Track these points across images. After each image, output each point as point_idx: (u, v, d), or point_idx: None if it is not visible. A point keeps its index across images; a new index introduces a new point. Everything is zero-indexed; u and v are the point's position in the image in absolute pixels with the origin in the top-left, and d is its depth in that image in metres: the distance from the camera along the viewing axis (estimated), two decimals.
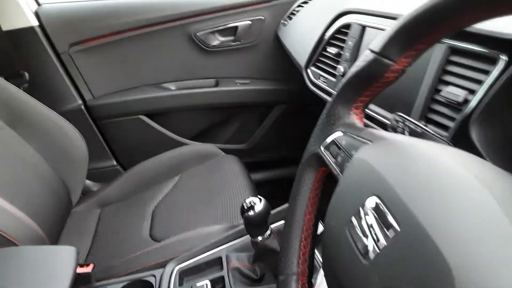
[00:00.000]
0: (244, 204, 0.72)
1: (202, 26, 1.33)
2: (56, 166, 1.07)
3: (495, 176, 0.27)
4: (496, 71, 0.44)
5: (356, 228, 0.31)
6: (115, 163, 1.43)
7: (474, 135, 0.46)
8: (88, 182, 1.34)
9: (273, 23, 1.34)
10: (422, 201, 0.27)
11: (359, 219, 0.31)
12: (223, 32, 1.35)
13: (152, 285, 0.83)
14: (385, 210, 0.29)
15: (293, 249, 0.46)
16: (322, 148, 0.45)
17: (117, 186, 1.19)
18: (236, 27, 1.34)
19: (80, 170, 1.13)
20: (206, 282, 0.78)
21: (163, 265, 0.84)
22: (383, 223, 0.29)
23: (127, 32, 1.31)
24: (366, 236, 0.30)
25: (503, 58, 0.44)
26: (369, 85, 0.41)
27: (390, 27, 0.37)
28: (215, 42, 1.36)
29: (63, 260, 0.75)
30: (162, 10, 1.31)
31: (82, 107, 1.33)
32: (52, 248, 0.78)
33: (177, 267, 0.83)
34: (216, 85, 1.41)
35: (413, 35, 0.36)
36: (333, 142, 0.44)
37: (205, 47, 1.36)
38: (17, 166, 0.93)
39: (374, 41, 0.39)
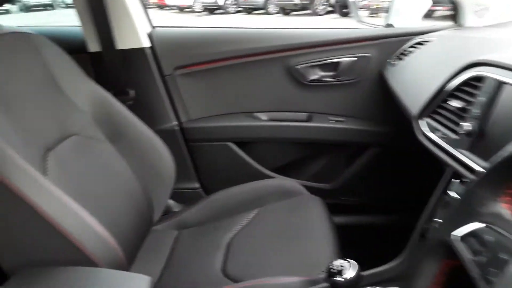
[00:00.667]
0: (332, 268, 0.65)
1: (302, 60, 1.30)
2: (144, 183, 1.09)
3: None
4: None
5: None
6: (198, 185, 1.44)
7: None
8: (170, 201, 1.36)
9: (379, 62, 1.26)
10: None
11: None
12: (324, 66, 1.31)
13: None
14: None
15: None
16: (455, 238, 0.36)
17: (197, 210, 1.18)
18: (338, 63, 1.29)
19: (166, 189, 1.14)
20: None
21: None
22: None
23: (228, 60, 1.33)
24: None
25: None
26: None
27: None
28: (314, 76, 1.32)
29: None
30: (264, 41, 1.31)
31: (177, 128, 1.37)
32: (128, 275, 0.77)
33: None
34: (309, 119, 1.36)
35: None
36: (473, 233, 0.34)
37: (302, 81, 1.32)
38: (110, 181, 0.96)
39: None
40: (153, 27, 1.35)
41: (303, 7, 10.16)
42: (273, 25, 9.44)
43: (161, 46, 1.32)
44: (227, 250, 0.99)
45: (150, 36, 1.31)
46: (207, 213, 1.17)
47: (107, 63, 1.26)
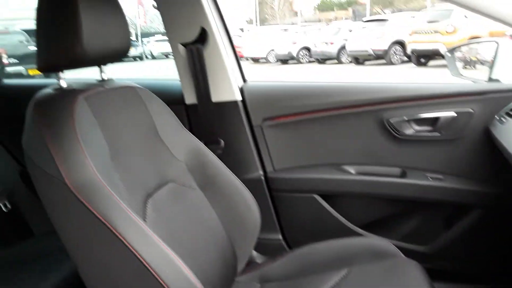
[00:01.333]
0: None
1: (397, 113, 1.25)
2: (230, 232, 1.08)
3: None
4: None
5: None
6: (280, 237, 1.40)
7: None
8: (253, 252, 1.33)
9: (484, 118, 1.17)
10: None
11: None
12: (420, 121, 1.24)
13: None
14: None
15: None
16: None
17: (281, 264, 1.14)
18: (436, 118, 1.21)
19: (251, 239, 1.12)
20: None
21: None
22: None
23: (317, 112, 1.32)
24: None
25: None
26: None
27: None
28: (409, 131, 1.25)
29: None
30: (355, 95, 1.29)
31: (262, 177, 1.37)
32: None
33: None
34: (403, 175, 1.28)
35: None
36: None
37: (396, 135, 1.26)
38: (199, 228, 0.97)
39: None
40: (245, 81, 1.41)
41: (378, 57, 10.11)
42: (348, 75, 9.49)
43: (252, 99, 1.36)
44: None
45: (241, 89, 1.36)
46: (291, 268, 1.12)
47: (202, 114, 1.32)
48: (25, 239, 1.37)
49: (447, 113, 1.21)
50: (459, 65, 1.43)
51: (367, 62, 10.71)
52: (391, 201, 1.32)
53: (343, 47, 11.05)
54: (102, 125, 0.87)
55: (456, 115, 1.20)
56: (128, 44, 0.96)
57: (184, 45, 1.31)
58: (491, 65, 1.25)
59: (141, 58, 17.99)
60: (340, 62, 11.37)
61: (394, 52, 9.87)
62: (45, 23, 0.82)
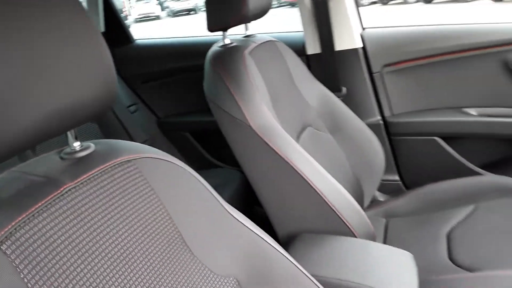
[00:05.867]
0: None
1: None
2: (357, 172, 1.19)
3: None
4: None
5: None
6: (397, 178, 1.50)
7: None
8: (375, 192, 1.45)
9: None
10: None
11: None
12: None
13: None
14: None
15: None
16: None
17: (404, 201, 1.23)
18: None
19: (375, 179, 1.22)
20: None
21: None
22: None
23: (437, 56, 1.35)
24: None
25: None
26: None
27: None
28: None
29: (406, 263, 0.82)
30: (477, 36, 1.30)
31: (381, 122, 1.45)
32: (393, 250, 0.86)
33: None
34: None
35: None
36: None
37: None
38: (332, 168, 1.05)
39: None
40: (363, 28, 1.45)
41: None
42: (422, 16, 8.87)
43: (371, 45, 1.41)
44: (448, 241, 1.02)
45: (362, 37, 1.42)
46: (415, 205, 1.21)
47: (325, 63, 1.40)
48: None
49: None
50: None
51: (436, 0, 9.89)
52: (511, 141, 1.35)
53: None
54: (263, 75, 0.99)
55: None
56: (269, 3, 1.07)
57: None
58: None
59: (195, 10, 17.96)
60: (406, 1, 10.60)
61: None
62: None
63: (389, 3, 11.18)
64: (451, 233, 1.04)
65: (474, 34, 1.31)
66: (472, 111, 1.37)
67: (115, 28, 1.72)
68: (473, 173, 1.35)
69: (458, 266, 0.93)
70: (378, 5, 11.43)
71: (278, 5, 14.05)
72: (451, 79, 1.37)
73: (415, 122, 1.42)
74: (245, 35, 1.11)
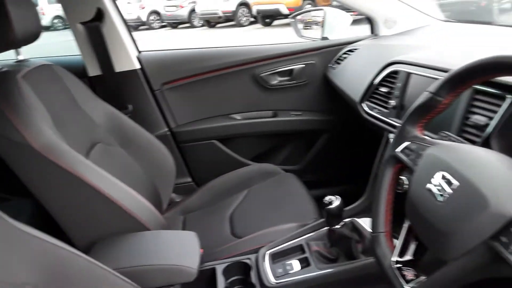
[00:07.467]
0: (325, 200, 0.99)
1: (264, 69, 1.66)
2: (153, 180, 1.33)
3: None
4: (505, 105, 0.72)
5: (432, 187, 0.59)
6: (190, 179, 1.72)
7: (494, 146, 0.73)
8: (172, 194, 1.61)
9: (322, 66, 1.66)
10: (469, 168, 0.55)
11: (433, 183, 0.59)
12: (281, 73, 1.67)
13: (248, 265, 1.08)
14: (448, 176, 0.57)
15: (381, 216, 0.73)
16: (398, 152, 0.73)
17: (196, 198, 1.44)
18: (291, 70, 1.66)
19: (170, 184, 1.39)
20: (295, 261, 1.04)
21: (255, 251, 1.09)
22: (448, 183, 0.56)
23: (206, 74, 1.64)
24: (439, 190, 0.57)
25: (509, 97, 0.72)
26: (428, 112, 0.70)
27: (440, 77, 0.66)
28: (274, 82, 1.68)
29: (190, 239, 1.00)
30: (234, 56, 1.64)
31: (168, 132, 1.64)
32: (180, 233, 1.03)
33: (268, 252, 1.08)
34: (274, 116, 1.72)
35: (456, 83, 0.65)
36: (406, 147, 0.72)
37: (266, 86, 1.68)
38: (128, 180, 1.09)
39: (431, 86, 0.68)
40: (139, 52, 1.62)
41: (227, 19, 10.56)
42: (201, 39, 9.68)
43: (149, 66, 1.59)
44: (231, 220, 1.27)
45: (138, 59, 1.58)
46: (205, 198, 1.43)
47: (108, 84, 1.50)
48: None
49: (298, 65, 1.66)
50: (301, 26, 1.90)
51: (218, 25, 11.11)
52: (269, 136, 1.75)
53: (193, 10, 11.18)
54: (41, 99, 1.00)
55: (304, 66, 1.66)
56: (39, 27, 1.05)
57: (83, 24, 1.45)
58: (322, 26, 1.74)
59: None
60: (192, 25, 11.50)
61: (242, 13, 10.46)
62: None
63: (178, 27, 11.91)
64: (232, 215, 1.29)
65: (232, 55, 1.65)
66: (238, 116, 1.71)
67: None
68: (245, 164, 1.68)
69: (237, 237, 1.18)
70: (167, 29, 12.00)
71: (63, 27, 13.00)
72: (219, 92, 1.68)
73: (196, 130, 1.67)
74: (16, 60, 1.10)
